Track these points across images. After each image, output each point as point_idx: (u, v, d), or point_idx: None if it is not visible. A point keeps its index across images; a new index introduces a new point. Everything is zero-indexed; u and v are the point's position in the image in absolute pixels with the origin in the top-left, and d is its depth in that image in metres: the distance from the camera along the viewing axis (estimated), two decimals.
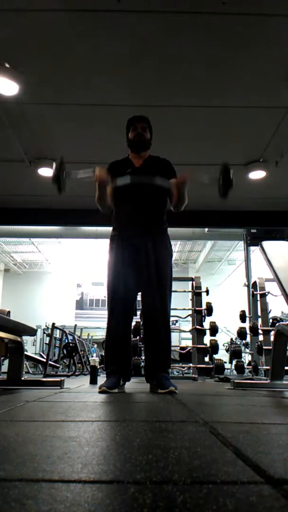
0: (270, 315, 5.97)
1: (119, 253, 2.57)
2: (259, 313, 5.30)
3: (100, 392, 2.29)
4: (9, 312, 3.37)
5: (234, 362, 6.43)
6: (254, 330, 5.31)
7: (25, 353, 3.22)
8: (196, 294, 5.43)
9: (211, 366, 5.22)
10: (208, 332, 5.30)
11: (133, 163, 2.66)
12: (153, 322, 2.52)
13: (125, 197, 2.59)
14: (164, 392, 2.32)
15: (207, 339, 5.38)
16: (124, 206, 2.62)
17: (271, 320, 5.82)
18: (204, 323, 5.43)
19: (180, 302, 5.57)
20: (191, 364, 5.51)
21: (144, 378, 2.67)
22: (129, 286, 2.53)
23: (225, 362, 6.57)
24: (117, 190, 2.57)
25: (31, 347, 12.11)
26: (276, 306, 6.78)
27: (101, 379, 2.84)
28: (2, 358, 3.80)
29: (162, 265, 2.55)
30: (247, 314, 5.91)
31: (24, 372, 3.02)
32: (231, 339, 9.42)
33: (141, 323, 2.78)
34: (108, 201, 2.57)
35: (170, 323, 2.66)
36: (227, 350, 9.45)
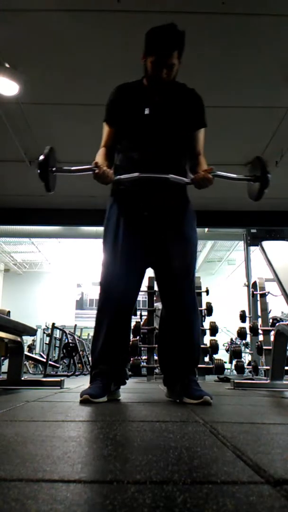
0: (270, 315, 5.97)
1: (123, 219, 1.90)
2: (259, 313, 5.29)
3: (81, 402, 1.68)
4: (9, 312, 3.37)
5: (234, 362, 6.42)
6: (254, 330, 5.30)
7: (25, 353, 3.21)
8: (196, 294, 5.42)
9: (211, 366, 5.22)
10: (208, 332, 5.30)
11: (150, 93, 1.92)
12: (183, 314, 1.92)
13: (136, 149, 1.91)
14: (196, 403, 1.69)
15: (207, 339, 5.38)
16: (134, 153, 1.91)
17: (271, 320, 5.82)
18: (204, 323, 5.42)
19: None
20: None
21: (163, 380, 2.04)
22: (136, 269, 1.92)
23: (225, 362, 6.57)
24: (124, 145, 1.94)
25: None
26: (276, 306, 6.78)
27: None
28: (2, 358, 3.80)
29: (189, 241, 1.96)
30: (247, 314, 5.90)
31: (24, 372, 3.01)
32: (231, 339, 9.42)
33: (160, 315, 2.12)
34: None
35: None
36: (227, 350, 9.45)
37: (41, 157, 1.75)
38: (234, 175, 1.92)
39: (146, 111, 1.88)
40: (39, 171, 1.74)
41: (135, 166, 1.84)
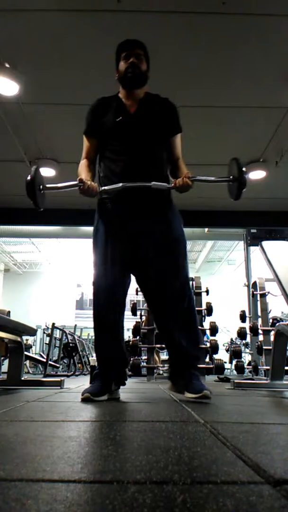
0: (270, 315, 5.97)
1: (109, 229, 2.00)
2: (259, 313, 5.29)
3: (83, 400, 1.77)
4: (9, 312, 3.38)
5: (234, 362, 6.42)
6: (254, 330, 5.31)
7: (25, 353, 3.22)
8: (196, 294, 5.42)
9: (211, 366, 5.22)
10: (208, 332, 5.30)
11: (125, 106, 2.04)
12: (173, 300, 1.94)
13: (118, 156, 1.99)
14: (196, 397, 1.78)
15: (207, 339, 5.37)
16: (117, 163, 1.99)
17: (271, 320, 5.82)
18: (204, 323, 5.42)
19: None
20: None
21: (169, 375, 2.10)
22: (121, 269, 2.00)
23: (225, 362, 6.57)
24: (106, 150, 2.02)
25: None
26: (276, 306, 6.78)
27: None
28: (2, 358, 3.80)
29: (178, 240, 2.01)
30: (247, 314, 5.90)
31: (24, 372, 3.01)
32: (231, 339, 9.42)
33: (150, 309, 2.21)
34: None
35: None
36: (227, 350, 9.45)
37: (28, 178, 1.84)
38: (213, 178, 1.99)
39: (118, 119, 1.99)
40: (27, 190, 1.83)
41: (115, 175, 1.94)
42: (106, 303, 1.99)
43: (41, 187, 1.90)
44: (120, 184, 1.88)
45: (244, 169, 1.92)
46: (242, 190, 1.93)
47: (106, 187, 1.93)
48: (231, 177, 1.97)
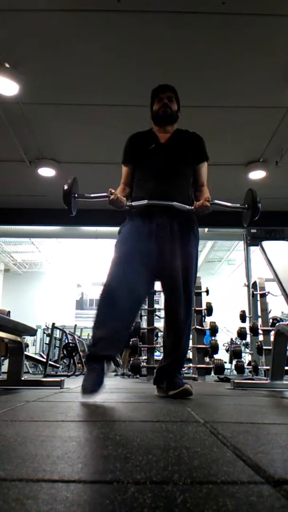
0: (270, 315, 5.96)
1: (138, 230, 2.12)
2: (259, 313, 5.30)
3: (84, 395, 1.77)
4: (9, 312, 3.38)
5: (234, 362, 6.42)
6: (254, 330, 5.31)
7: (25, 353, 3.21)
8: (196, 294, 5.42)
9: (211, 366, 5.22)
10: (208, 332, 5.30)
11: (158, 137, 2.30)
12: (178, 323, 2.17)
13: (148, 180, 2.22)
14: (177, 392, 2.02)
15: (207, 339, 5.37)
16: (147, 184, 2.22)
17: (271, 320, 5.81)
18: (204, 323, 5.42)
19: None
20: (191, 364, 5.51)
21: (153, 380, 2.33)
22: (144, 279, 2.07)
23: (225, 362, 6.57)
24: (138, 175, 2.26)
25: (31, 347, 12.10)
26: (276, 306, 6.78)
27: None
28: (2, 358, 3.80)
29: (189, 258, 2.18)
30: (247, 314, 5.90)
31: (24, 372, 3.01)
32: (231, 339, 9.42)
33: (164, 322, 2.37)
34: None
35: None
36: (227, 350, 9.45)
37: (66, 186, 2.07)
38: (229, 204, 2.22)
39: (151, 146, 2.25)
40: (64, 198, 2.06)
41: (145, 191, 2.17)
42: (119, 284, 1.99)
43: (76, 195, 2.12)
44: (145, 201, 2.10)
45: (258, 199, 2.12)
46: (254, 218, 2.14)
47: (132, 203, 2.13)
48: (246, 205, 2.20)
